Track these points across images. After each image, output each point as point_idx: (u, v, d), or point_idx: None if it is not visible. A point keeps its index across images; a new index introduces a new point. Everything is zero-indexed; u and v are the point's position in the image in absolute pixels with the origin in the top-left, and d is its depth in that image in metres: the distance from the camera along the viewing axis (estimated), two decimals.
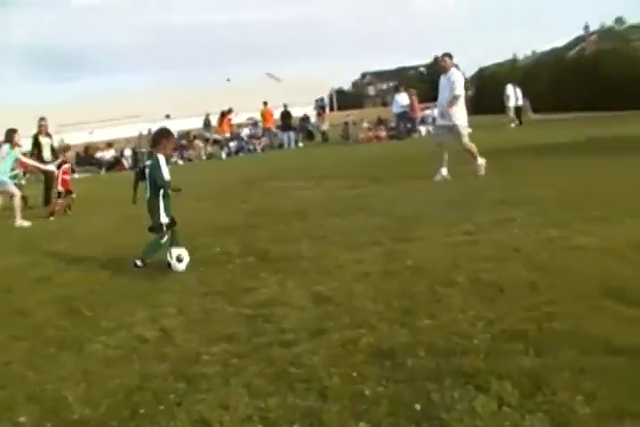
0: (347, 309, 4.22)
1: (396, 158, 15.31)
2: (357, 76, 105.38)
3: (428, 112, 29.36)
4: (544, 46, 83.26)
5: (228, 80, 63.67)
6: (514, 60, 60.75)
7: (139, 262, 5.98)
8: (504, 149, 14.52)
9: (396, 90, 28.06)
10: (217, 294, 4.89)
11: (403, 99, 25.22)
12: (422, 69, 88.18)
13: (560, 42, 73.69)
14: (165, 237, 6.02)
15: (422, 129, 26.58)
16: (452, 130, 10.60)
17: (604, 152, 12.28)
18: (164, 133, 6.20)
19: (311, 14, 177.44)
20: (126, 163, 26.40)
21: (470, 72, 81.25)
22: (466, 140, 10.59)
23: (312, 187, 11.11)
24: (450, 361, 3.23)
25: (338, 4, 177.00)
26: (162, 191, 5.95)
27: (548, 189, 8.34)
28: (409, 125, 25.66)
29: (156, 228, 6.02)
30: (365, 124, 29.68)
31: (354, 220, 7.47)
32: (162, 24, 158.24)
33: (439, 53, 11.29)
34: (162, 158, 5.89)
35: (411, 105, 25.19)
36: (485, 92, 52.95)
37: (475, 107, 57.02)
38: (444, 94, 10.67)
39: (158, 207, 5.93)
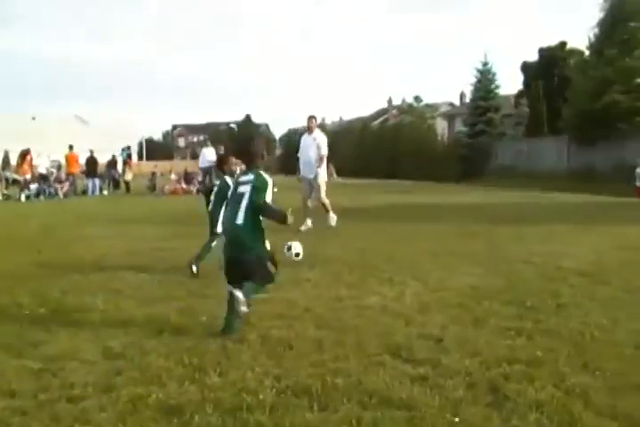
0: (138, 365, 4.15)
1: (202, 212, 15.35)
2: (169, 126, 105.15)
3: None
4: (351, 114, 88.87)
5: (33, 119, 60.38)
6: (322, 125, 63.92)
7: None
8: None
9: (205, 144, 28.25)
10: (2, 347, 4.59)
11: (210, 153, 25.37)
12: (233, 125, 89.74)
13: (366, 112, 79.10)
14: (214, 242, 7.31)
15: None
16: (313, 183, 11.89)
17: (398, 218, 13.28)
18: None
19: (127, 60, 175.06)
20: None
21: (279, 133, 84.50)
22: (323, 194, 11.91)
23: (114, 237, 10.80)
24: (236, 417, 3.30)
25: (156, 51, 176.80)
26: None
27: (345, 250, 8.86)
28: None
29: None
30: (173, 176, 29.45)
31: (154, 273, 7.36)
32: None
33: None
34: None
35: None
36: (294, 153, 55.17)
37: (283, 167, 59.18)
38: (307, 152, 12.01)
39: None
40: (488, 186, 28.58)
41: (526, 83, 47.23)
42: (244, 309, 4.63)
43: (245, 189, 5.03)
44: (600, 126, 31.83)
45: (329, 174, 32.75)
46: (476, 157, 40.56)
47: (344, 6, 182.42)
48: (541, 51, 47.49)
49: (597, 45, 33.40)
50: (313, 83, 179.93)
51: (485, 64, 44.59)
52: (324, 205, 11.93)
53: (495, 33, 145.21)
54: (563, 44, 46.79)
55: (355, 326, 4.91)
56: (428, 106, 54.75)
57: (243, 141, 5.88)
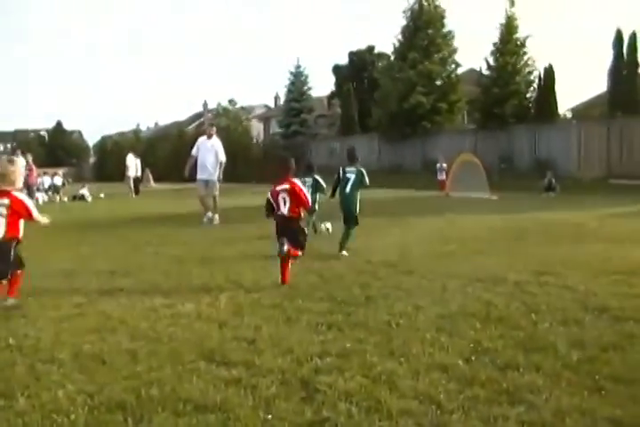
0: None
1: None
2: None
3: (45, 178, 28.29)
4: (167, 119, 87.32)
5: None
6: (137, 131, 62.42)
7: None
8: (122, 219, 14.80)
9: (14, 153, 26.59)
10: None
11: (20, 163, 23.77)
12: (43, 133, 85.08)
13: (182, 116, 78.13)
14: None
15: (39, 196, 25.23)
16: (209, 183, 13.69)
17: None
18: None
19: None
20: None
21: (93, 140, 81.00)
22: (217, 193, 13.85)
23: None
24: None
25: None
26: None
27: (161, 257, 8.74)
28: (25, 191, 24.16)
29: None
30: None
31: None
32: None
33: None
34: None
35: (27, 170, 23.82)
36: (108, 161, 53.44)
37: (97, 174, 56.93)
38: (207, 156, 13.75)
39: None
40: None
41: (338, 84, 49.25)
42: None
43: (351, 175, 8.90)
44: (407, 125, 34.11)
45: (146, 180, 32.29)
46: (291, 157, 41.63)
47: (157, 9, 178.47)
48: (351, 54, 49.71)
49: (402, 50, 35.74)
50: (127, 88, 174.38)
51: (298, 67, 45.89)
52: (215, 202, 13.82)
53: (308, 36, 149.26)
54: (371, 48, 49.38)
55: (169, 335, 4.86)
56: (243, 109, 55.19)
57: (350, 150, 9.60)
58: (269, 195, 7.09)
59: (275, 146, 44.97)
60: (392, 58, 38.41)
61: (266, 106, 68.80)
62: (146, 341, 4.75)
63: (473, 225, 12.18)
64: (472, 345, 4.42)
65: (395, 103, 34.23)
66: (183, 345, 4.60)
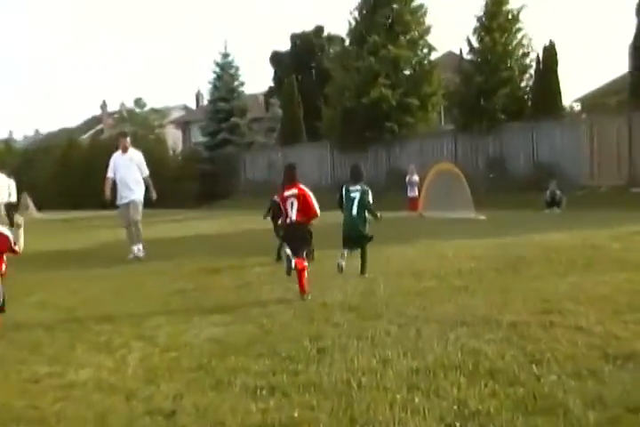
0: None
1: None
2: None
3: None
4: (52, 126, 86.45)
5: None
6: (10, 141, 61.48)
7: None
8: None
9: None
10: None
11: None
12: None
13: (72, 122, 77.38)
14: None
15: None
16: (131, 205, 14.22)
17: (120, 261, 13.17)
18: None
19: None
20: None
21: None
22: (139, 216, 14.35)
23: None
24: None
25: None
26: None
27: (46, 310, 8.58)
28: None
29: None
30: None
31: None
32: None
33: None
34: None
35: None
36: None
37: None
38: (126, 174, 14.24)
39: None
40: (236, 208, 29.18)
41: (278, 77, 49.11)
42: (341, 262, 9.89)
43: (355, 194, 10.21)
44: (368, 128, 33.80)
45: (24, 207, 31.80)
46: (219, 174, 41.41)
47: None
48: (294, 37, 49.62)
49: (359, 31, 35.52)
50: None
51: (226, 56, 45.68)
52: (138, 227, 14.22)
53: (239, 15, 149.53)
54: (319, 29, 49.33)
55: (57, 414, 4.73)
56: (154, 111, 54.89)
57: (355, 167, 10.90)
58: (278, 199, 8.89)
59: (197, 159, 44.64)
60: (347, 42, 38.57)
61: (185, 107, 68.78)
62: (23, 424, 4.60)
63: (455, 254, 12.30)
64: (456, 407, 4.44)
65: (352, 99, 34.17)
66: (77, 426, 4.52)
